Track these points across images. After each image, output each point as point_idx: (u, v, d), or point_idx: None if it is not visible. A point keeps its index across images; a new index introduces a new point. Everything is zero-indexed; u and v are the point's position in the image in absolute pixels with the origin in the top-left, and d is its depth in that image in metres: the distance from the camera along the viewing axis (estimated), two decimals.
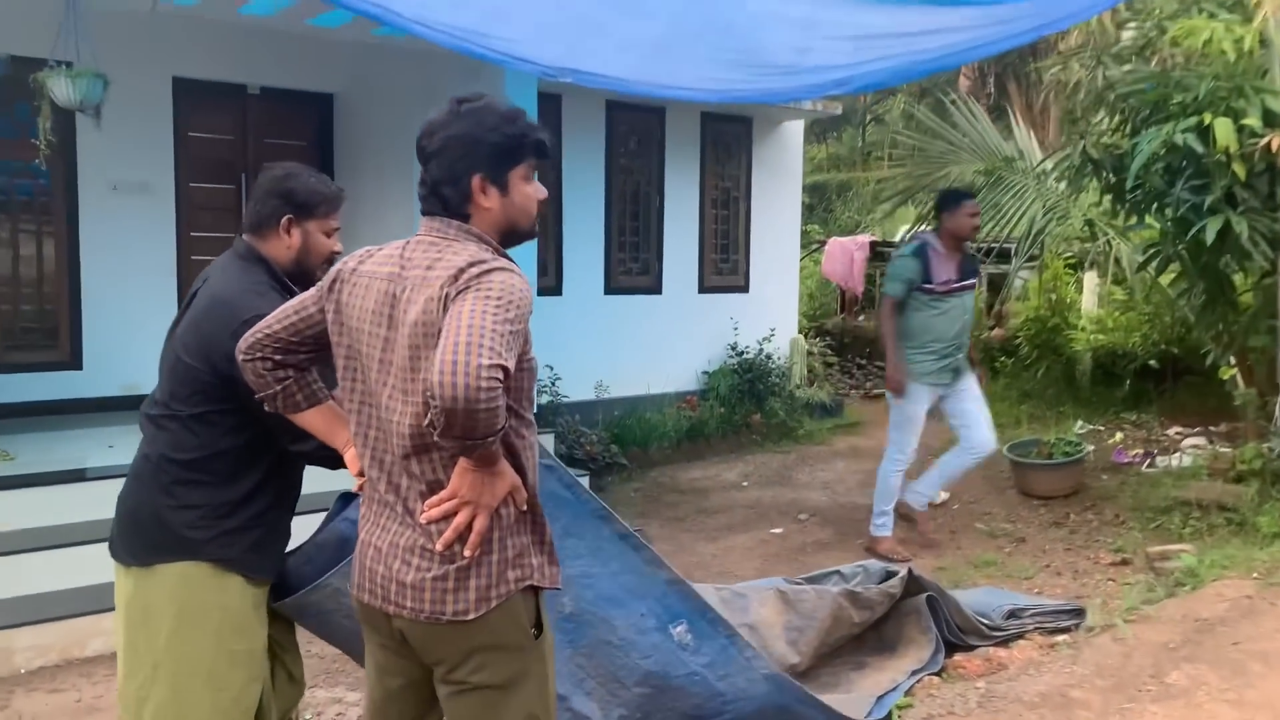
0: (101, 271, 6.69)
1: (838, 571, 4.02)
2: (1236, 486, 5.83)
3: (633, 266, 9.01)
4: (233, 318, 2.40)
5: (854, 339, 11.79)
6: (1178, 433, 7.73)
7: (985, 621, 4.11)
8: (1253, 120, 4.99)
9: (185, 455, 2.48)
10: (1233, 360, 6.28)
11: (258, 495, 2.52)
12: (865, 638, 3.92)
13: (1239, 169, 5.10)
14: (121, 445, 5.04)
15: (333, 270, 2.16)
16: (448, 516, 1.96)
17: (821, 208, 19.81)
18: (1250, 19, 5.23)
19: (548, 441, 7.00)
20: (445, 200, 2.04)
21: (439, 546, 1.97)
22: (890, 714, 3.53)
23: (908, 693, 3.67)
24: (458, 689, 2.05)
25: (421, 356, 1.93)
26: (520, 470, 2.03)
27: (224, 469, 2.49)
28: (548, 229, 8.09)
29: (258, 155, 7.15)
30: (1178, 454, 7.19)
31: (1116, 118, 6.17)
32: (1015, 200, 7.67)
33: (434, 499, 1.98)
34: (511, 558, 2.02)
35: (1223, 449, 6.82)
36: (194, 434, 2.48)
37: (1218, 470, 6.26)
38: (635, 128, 8.91)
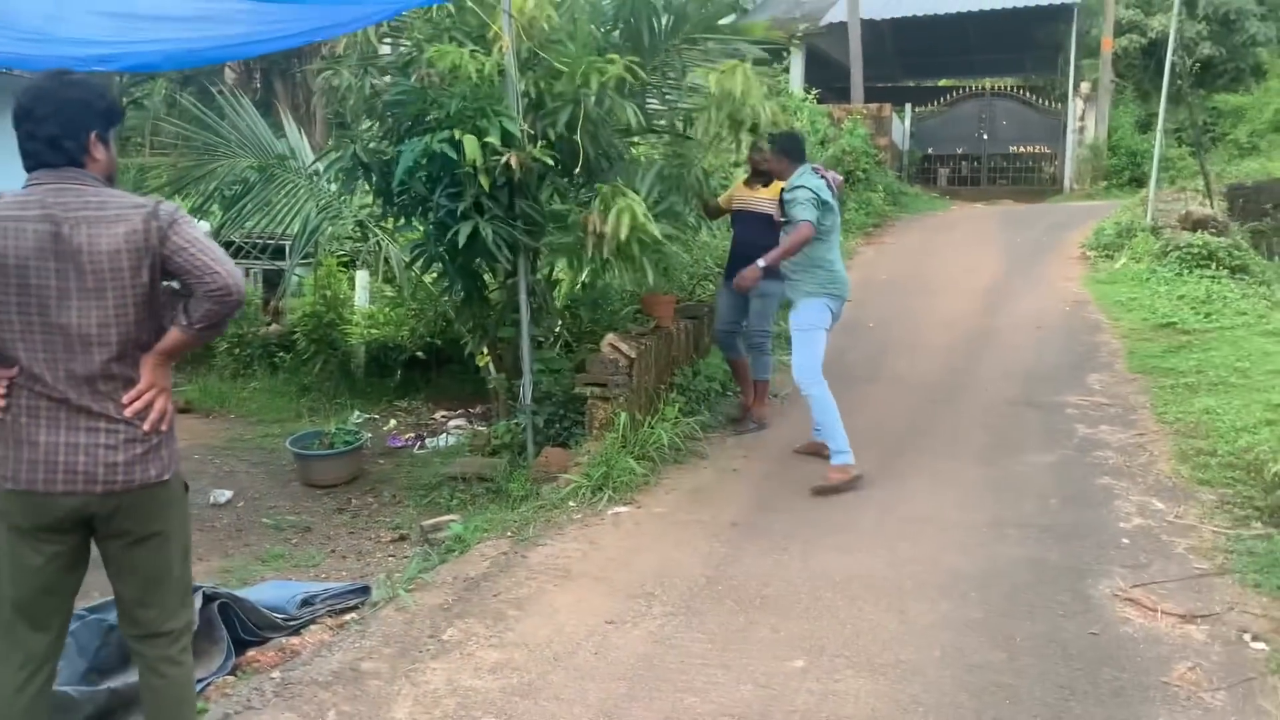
0: None
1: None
2: (492, 459, 6.62)
3: None
4: None
5: None
6: (443, 415, 8.53)
7: (280, 615, 4.16)
8: (494, 139, 5.71)
9: None
10: (486, 350, 7.12)
11: None
12: None
13: (484, 181, 5.79)
14: None
15: None
16: (148, 404, 2.62)
17: None
18: (491, 50, 5.96)
19: None
20: (68, 152, 2.52)
21: (147, 426, 2.62)
22: None
23: (202, 697, 3.57)
24: (133, 540, 2.65)
25: (130, 276, 2.51)
26: None
27: None
28: None
29: None
30: (444, 435, 7.96)
31: (382, 125, 6.57)
32: (289, 198, 7.80)
33: (135, 391, 2.60)
34: (175, 434, 2.75)
35: (480, 427, 7.70)
36: None
37: (477, 446, 7.03)
38: None
